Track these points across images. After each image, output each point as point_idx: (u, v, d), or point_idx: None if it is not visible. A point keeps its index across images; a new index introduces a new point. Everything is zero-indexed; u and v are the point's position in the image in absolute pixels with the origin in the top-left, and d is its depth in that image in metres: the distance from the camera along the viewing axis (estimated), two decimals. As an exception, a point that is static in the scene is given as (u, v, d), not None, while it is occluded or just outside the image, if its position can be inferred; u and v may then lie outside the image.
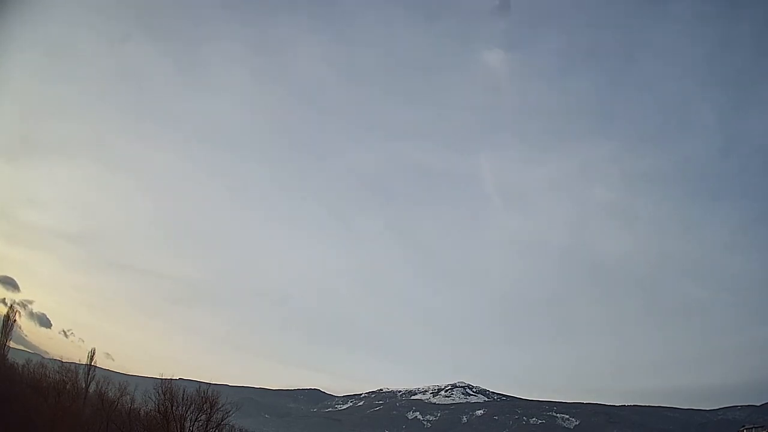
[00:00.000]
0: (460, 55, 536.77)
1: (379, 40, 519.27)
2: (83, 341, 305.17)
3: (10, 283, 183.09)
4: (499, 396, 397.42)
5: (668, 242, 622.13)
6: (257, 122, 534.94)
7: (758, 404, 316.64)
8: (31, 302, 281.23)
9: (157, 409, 63.29)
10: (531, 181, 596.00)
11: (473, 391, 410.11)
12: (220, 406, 65.93)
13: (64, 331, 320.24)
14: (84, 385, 72.29)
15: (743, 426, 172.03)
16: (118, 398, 70.23)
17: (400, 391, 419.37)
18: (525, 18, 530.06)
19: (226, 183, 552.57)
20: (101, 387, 71.56)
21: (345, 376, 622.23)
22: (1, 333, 79.38)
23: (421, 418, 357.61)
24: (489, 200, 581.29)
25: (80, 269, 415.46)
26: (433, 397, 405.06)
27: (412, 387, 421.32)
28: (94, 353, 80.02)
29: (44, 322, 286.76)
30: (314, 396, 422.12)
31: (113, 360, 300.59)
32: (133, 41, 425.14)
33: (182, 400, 63.45)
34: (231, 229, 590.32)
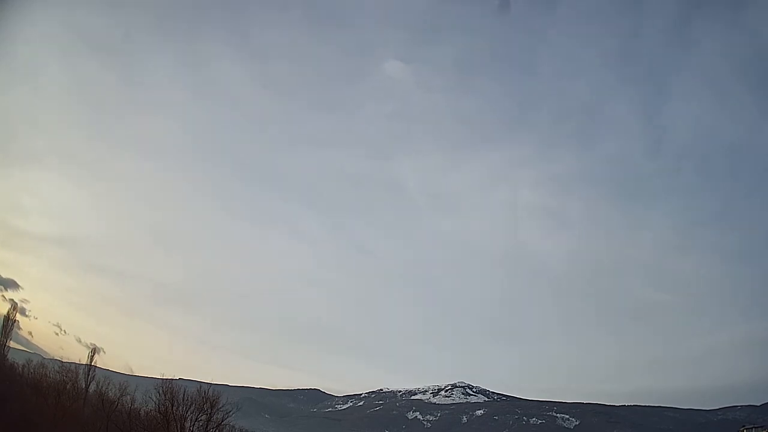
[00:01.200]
0: (364, 66, 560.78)
1: (291, 53, 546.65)
2: (80, 340, 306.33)
3: (11, 285, 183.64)
4: (499, 396, 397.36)
5: (610, 244, 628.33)
6: (200, 140, 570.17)
7: (758, 404, 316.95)
8: (28, 302, 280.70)
9: (157, 409, 63.22)
10: (453, 184, 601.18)
11: (473, 391, 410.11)
12: (220, 406, 65.79)
13: (59, 326, 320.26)
14: (84, 385, 72.21)
15: (743, 426, 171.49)
16: (118, 398, 70.13)
17: (400, 391, 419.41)
18: (423, 27, 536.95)
19: (200, 189, 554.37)
20: (101, 387, 71.47)
21: (345, 376, 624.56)
22: (1, 333, 79.31)
23: (421, 418, 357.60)
24: (415, 204, 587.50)
25: (65, 271, 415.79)
26: (433, 397, 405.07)
27: (412, 387, 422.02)
28: (94, 353, 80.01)
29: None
30: (314, 396, 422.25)
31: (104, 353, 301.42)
32: (88, 57, 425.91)
33: (182, 400, 63.36)
34: (216, 231, 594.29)
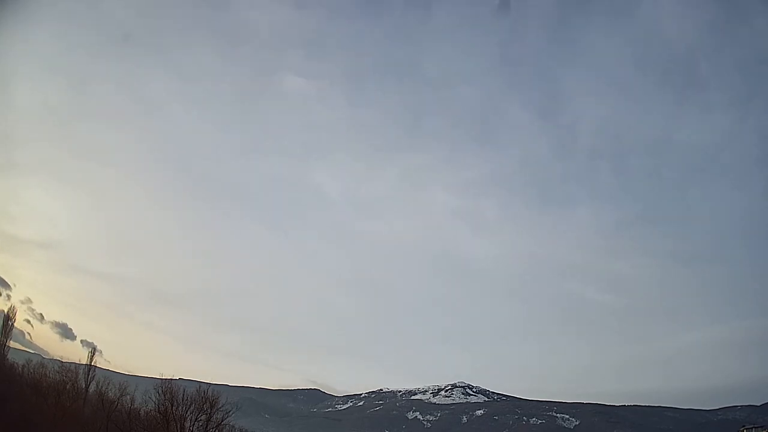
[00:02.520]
0: (269, 82, 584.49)
1: (207, 72, 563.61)
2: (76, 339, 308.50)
3: (5, 285, 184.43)
4: (499, 396, 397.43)
5: (538, 245, 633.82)
6: (155, 151, 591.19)
7: (758, 404, 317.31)
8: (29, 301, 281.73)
9: (157, 409, 63.29)
10: (371, 190, 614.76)
11: (473, 391, 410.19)
12: (220, 406, 65.87)
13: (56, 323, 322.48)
14: (84, 385, 72.21)
15: (743, 426, 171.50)
16: (118, 398, 70.19)
17: (400, 391, 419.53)
18: (314, 44, 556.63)
19: (162, 196, 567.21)
20: (101, 387, 71.53)
21: (345, 376, 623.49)
22: (1, 333, 79.31)
23: (421, 418, 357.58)
24: (339, 209, 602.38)
25: (54, 273, 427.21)
26: (433, 397, 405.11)
27: (412, 387, 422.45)
28: (93, 353, 79.99)
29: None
30: (314, 396, 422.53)
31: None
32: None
33: (182, 400, 63.44)
34: (203, 234, 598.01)
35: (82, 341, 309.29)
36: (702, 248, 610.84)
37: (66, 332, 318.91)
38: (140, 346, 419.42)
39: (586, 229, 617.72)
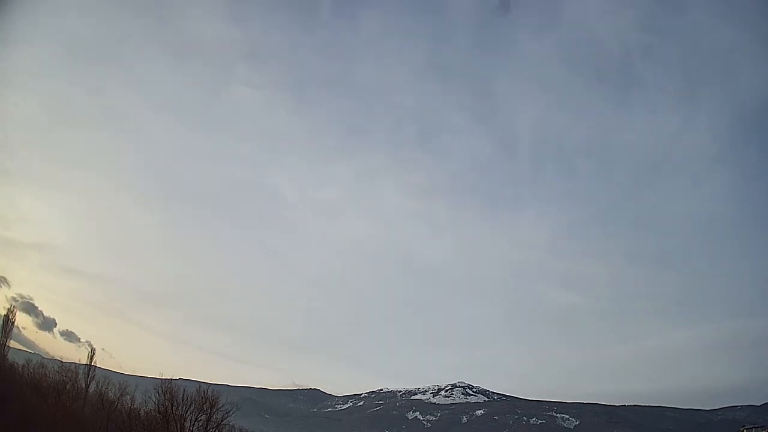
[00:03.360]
0: (218, 92, 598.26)
1: (161, 82, 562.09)
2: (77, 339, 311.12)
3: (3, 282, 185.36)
4: (499, 396, 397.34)
5: (493, 247, 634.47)
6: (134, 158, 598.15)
7: (758, 404, 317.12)
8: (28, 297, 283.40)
9: (157, 409, 63.31)
10: (327, 192, 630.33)
11: (473, 391, 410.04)
12: (220, 406, 65.93)
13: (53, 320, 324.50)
14: (84, 385, 72.29)
15: (743, 426, 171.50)
16: (118, 398, 70.25)
17: (400, 391, 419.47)
18: (256, 55, 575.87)
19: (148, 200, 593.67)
20: (101, 387, 71.61)
21: (345, 376, 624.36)
22: (1, 333, 79.33)
23: (421, 418, 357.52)
24: (297, 210, 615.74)
25: (47, 274, 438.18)
26: (433, 397, 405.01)
27: (412, 387, 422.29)
28: (93, 353, 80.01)
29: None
30: (314, 396, 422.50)
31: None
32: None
33: (182, 400, 63.47)
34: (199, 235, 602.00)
35: (66, 335, 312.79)
36: (662, 248, 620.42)
37: (65, 333, 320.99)
38: (134, 345, 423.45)
39: (540, 230, 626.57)
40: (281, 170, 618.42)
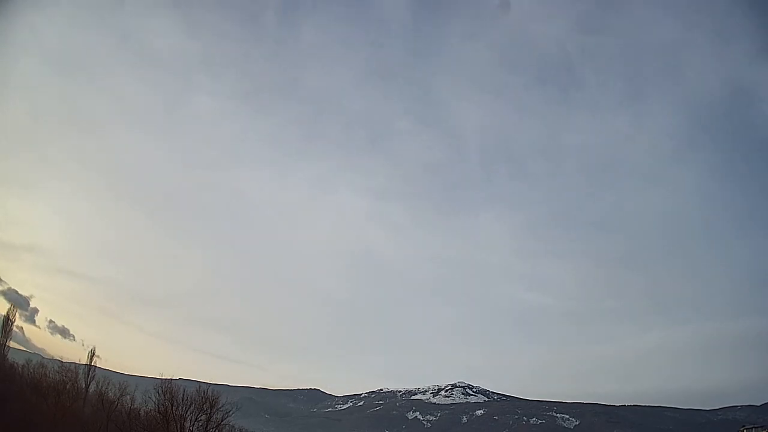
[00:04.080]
0: (178, 100, 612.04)
1: (131, 94, 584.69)
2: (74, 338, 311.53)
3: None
4: (499, 396, 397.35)
5: (453, 248, 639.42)
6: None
7: (758, 404, 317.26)
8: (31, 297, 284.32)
9: (157, 409, 63.30)
10: (287, 195, 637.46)
11: (473, 391, 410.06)
12: (220, 406, 65.90)
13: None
14: (84, 385, 72.35)
15: (743, 426, 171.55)
16: (118, 398, 70.28)
17: (400, 391, 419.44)
18: (211, 66, 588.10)
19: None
20: (101, 387, 71.64)
21: (345, 376, 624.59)
22: (1, 333, 79.33)
23: (421, 418, 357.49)
24: (261, 211, 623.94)
25: (36, 274, 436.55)
26: (433, 397, 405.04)
27: (412, 387, 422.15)
28: (93, 353, 79.99)
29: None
30: (314, 396, 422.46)
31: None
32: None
33: (182, 400, 63.45)
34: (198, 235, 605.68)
35: (64, 334, 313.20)
36: (626, 249, 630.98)
37: (61, 331, 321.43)
38: (130, 345, 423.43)
39: (499, 231, 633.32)
40: (245, 174, 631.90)
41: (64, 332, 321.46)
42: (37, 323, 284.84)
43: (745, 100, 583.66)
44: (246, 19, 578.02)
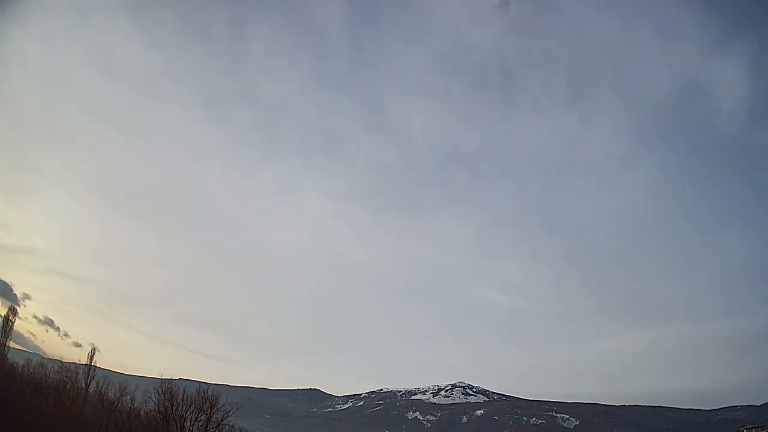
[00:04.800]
0: (152, 108, 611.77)
1: (106, 103, 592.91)
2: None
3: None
4: (499, 396, 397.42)
5: (417, 249, 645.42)
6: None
7: (758, 404, 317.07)
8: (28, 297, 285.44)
9: (157, 409, 63.33)
10: (256, 197, 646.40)
11: (473, 391, 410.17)
12: (220, 406, 65.91)
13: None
14: (84, 385, 72.30)
15: (743, 426, 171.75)
16: (118, 398, 70.29)
17: (400, 391, 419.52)
18: (173, 76, 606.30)
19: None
20: (101, 387, 71.65)
21: (345, 376, 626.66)
22: (1, 333, 79.37)
23: (421, 418, 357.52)
24: (233, 212, 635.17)
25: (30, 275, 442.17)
26: (433, 397, 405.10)
27: (412, 387, 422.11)
28: (93, 353, 79.96)
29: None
30: (314, 396, 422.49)
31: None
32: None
33: (182, 400, 63.47)
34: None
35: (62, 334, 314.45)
36: (574, 248, 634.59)
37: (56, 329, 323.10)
38: (127, 345, 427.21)
39: (458, 232, 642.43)
40: (215, 176, 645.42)
41: (57, 329, 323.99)
42: (33, 321, 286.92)
43: (700, 97, 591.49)
44: (199, 33, 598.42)
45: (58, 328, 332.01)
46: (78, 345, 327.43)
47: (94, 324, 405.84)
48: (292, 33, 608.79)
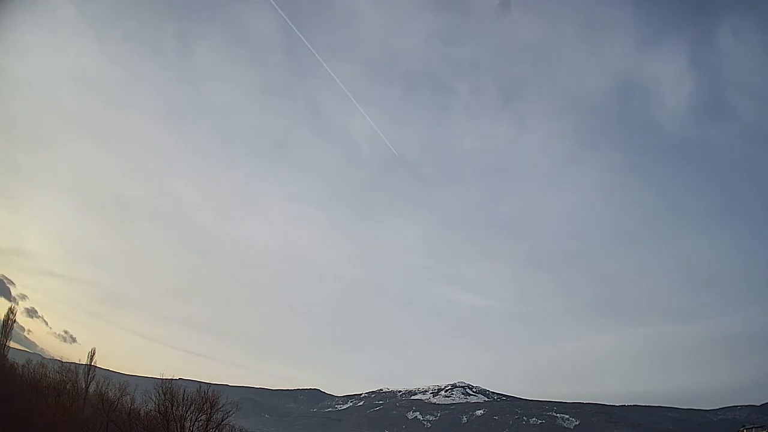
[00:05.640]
0: (117, 119, 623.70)
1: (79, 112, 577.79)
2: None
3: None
4: (499, 396, 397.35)
5: (372, 251, 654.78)
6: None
7: (758, 404, 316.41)
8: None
9: (157, 409, 63.40)
10: (223, 200, 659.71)
11: (473, 391, 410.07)
12: (220, 406, 66.10)
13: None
14: (84, 385, 72.28)
15: (743, 426, 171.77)
16: (118, 398, 70.20)
17: (400, 391, 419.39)
18: (135, 89, 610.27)
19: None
20: (101, 387, 71.49)
21: (345, 376, 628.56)
22: (1, 333, 79.34)
23: (421, 418, 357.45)
24: (196, 212, 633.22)
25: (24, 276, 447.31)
26: (433, 397, 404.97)
27: (412, 387, 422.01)
28: (94, 353, 79.93)
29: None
30: (314, 396, 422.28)
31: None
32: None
33: (182, 400, 63.57)
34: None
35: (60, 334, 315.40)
36: (548, 251, 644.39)
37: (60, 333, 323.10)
38: (124, 346, 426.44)
39: (409, 234, 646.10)
40: (181, 181, 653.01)
41: (50, 328, 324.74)
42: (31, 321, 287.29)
43: (641, 95, 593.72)
44: (150, 47, 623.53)
45: (49, 325, 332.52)
46: (70, 339, 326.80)
47: (93, 324, 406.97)
48: (232, 45, 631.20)
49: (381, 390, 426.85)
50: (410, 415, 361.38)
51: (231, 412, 69.72)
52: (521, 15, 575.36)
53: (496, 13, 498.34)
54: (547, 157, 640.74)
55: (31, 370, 75.24)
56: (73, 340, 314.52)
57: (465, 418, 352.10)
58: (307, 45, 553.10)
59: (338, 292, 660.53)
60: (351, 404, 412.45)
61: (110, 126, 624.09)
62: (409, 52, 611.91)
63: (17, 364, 79.72)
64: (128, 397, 71.69)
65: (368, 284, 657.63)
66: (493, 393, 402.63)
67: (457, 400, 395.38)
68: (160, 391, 63.02)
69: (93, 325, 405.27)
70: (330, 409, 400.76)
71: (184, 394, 64.12)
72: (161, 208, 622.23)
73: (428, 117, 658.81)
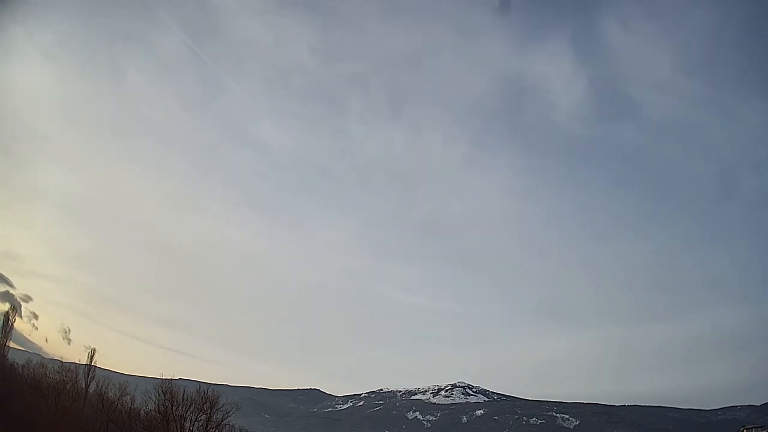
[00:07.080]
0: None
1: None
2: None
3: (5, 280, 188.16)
4: (499, 396, 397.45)
5: (311, 251, 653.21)
6: None
7: (758, 404, 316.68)
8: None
9: (157, 409, 63.42)
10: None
11: (473, 391, 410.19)
12: (220, 406, 66.09)
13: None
14: (84, 385, 72.23)
15: (743, 426, 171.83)
16: (118, 398, 70.17)
17: (400, 391, 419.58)
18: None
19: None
20: (101, 387, 71.44)
21: (345, 376, 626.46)
22: (1, 333, 79.40)
23: (421, 418, 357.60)
24: (161, 219, 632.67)
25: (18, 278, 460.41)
26: (433, 397, 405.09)
27: (412, 387, 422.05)
28: (94, 353, 79.94)
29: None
30: (314, 396, 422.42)
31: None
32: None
33: (182, 400, 63.59)
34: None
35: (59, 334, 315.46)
36: (483, 253, 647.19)
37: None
38: (121, 346, 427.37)
39: (342, 236, 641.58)
40: (145, 183, 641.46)
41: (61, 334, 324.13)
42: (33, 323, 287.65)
43: (530, 97, 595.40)
44: (93, 69, 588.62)
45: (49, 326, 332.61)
46: (64, 332, 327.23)
47: (93, 325, 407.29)
48: (150, 61, 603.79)
49: (381, 390, 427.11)
50: (410, 415, 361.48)
51: (231, 412, 69.69)
52: (394, 27, 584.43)
53: (370, 25, 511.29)
54: (446, 162, 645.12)
55: (31, 370, 75.24)
56: (71, 341, 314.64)
57: (465, 418, 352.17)
58: (211, 64, 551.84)
59: (330, 292, 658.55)
60: (351, 404, 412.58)
61: (69, 140, 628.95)
62: (300, 69, 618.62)
63: (17, 364, 79.81)
64: (128, 397, 71.66)
65: (308, 284, 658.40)
66: (493, 393, 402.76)
67: (457, 400, 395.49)
68: (160, 391, 63.04)
69: (93, 325, 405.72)
70: (330, 409, 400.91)
71: (184, 394, 64.12)
72: (123, 211, 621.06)
73: (330, 126, 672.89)
